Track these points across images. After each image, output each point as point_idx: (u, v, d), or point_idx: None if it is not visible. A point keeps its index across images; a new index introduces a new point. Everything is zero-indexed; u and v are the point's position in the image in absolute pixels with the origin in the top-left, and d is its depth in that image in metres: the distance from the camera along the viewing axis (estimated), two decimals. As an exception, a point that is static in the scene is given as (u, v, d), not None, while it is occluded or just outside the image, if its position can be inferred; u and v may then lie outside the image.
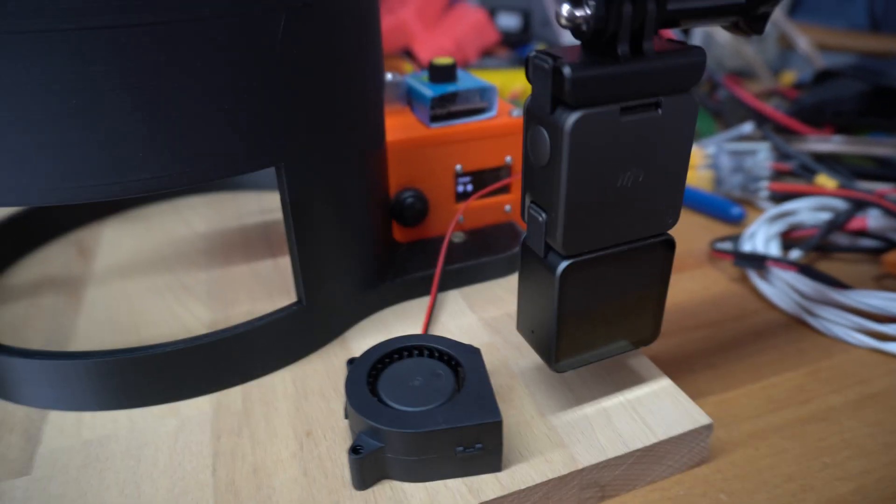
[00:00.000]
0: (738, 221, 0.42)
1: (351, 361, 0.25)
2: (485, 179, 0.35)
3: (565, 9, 0.18)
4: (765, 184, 0.44)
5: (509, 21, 0.80)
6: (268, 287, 0.33)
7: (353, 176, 0.27)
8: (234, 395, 0.26)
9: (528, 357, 0.27)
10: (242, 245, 0.38)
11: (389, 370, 0.23)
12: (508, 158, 0.35)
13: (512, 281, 0.33)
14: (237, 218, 0.41)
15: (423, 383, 0.22)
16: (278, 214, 0.41)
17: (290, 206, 0.25)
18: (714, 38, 0.70)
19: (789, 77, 0.71)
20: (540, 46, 0.73)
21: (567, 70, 0.18)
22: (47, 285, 0.34)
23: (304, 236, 0.26)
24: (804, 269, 0.33)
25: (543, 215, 0.21)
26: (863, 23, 0.69)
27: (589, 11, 0.18)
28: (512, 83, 0.63)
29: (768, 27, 0.74)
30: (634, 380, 0.25)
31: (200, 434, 0.24)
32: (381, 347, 0.24)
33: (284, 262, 0.36)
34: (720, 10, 0.20)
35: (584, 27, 0.18)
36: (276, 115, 0.23)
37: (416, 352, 0.24)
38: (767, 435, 0.25)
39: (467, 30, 0.69)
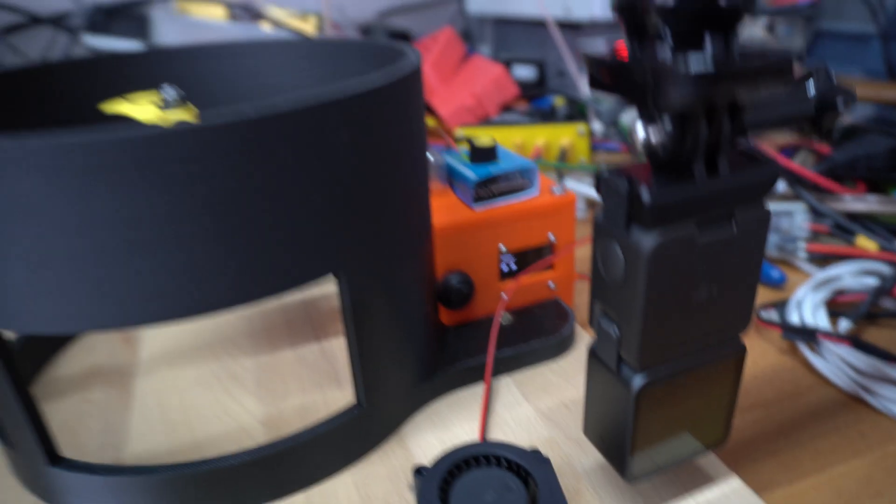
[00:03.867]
0: (778, 285, 0.42)
1: (419, 471, 0.24)
2: (528, 256, 0.35)
3: (639, 133, 0.18)
4: (803, 245, 0.44)
5: (524, 72, 0.81)
6: (316, 376, 0.33)
7: (408, 270, 0.27)
8: (296, 504, 0.25)
9: (592, 455, 0.27)
10: (285, 327, 0.38)
11: (460, 483, 0.23)
12: (551, 236, 0.35)
13: (562, 364, 0.33)
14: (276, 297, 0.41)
15: (496, 498, 0.22)
16: (316, 291, 0.41)
17: (350, 310, 0.25)
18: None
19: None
20: (558, 99, 0.74)
21: (646, 196, 0.18)
22: (95, 377, 0.34)
23: (363, 339, 0.26)
24: (857, 343, 0.33)
25: (616, 330, 0.21)
26: (879, 70, 0.69)
27: (665, 135, 0.18)
28: (533, 139, 0.63)
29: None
30: (703, 479, 0.25)
31: (267, 550, 0.23)
32: (449, 458, 0.24)
33: (329, 347, 0.36)
34: (791, 121, 0.20)
35: (660, 151, 0.18)
36: (339, 224, 0.23)
37: (483, 460, 0.24)
38: (843, 534, 0.25)
39: (487, 86, 0.70)
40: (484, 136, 0.35)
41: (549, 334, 0.33)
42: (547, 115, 0.71)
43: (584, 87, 0.74)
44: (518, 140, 0.64)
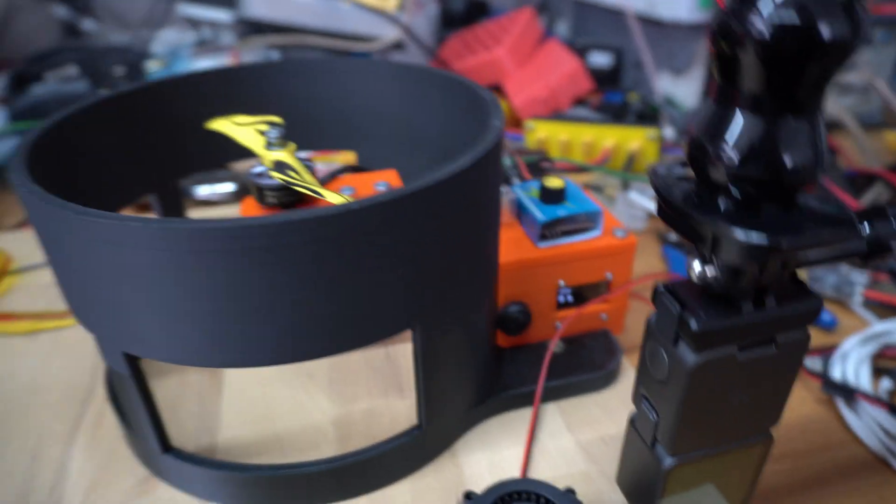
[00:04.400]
0: (830, 329, 0.43)
1: (468, 496, 0.28)
2: (584, 289, 0.38)
3: (696, 268, 0.20)
4: (860, 289, 0.44)
5: (601, 59, 0.81)
6: (382, 381, 0.37)
7: (477, 317, 0.30)
8: (360, 507, 0.30)
9: (622, 494, 0.30)
10: (355, 327, 0.42)
11: (503, 516, 0.27)
12: (609, 275, 0.37)
13: (605, 396, 0.36)
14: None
15: (534, 535, 0.26)
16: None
17: (421, 357, 0.28)
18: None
19: (894, 137, 0.69)
20: (632, 95, 0.74)
21: (694, 325, 0.20)
22: (191, 360, 0.39)
23: (430, 376, 0.29)
24: (895, 410, 0.34)
25: (654, 415, 0.23)
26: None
27: (718, 275, 0.20)
28: (602, 140, 0.64)
29: (865, 80, 0.71)
30: (721, 533, 0.28)
31: (335, 546, 0.28)
32: (496, 490, 0.27)
33: (395, 352, 0.39)
34: (841, 258, 0.21)
35: (713, 285, 0.20)
36: (420, 287, 0.26)
37: (525, 496, 0.27)
38: None
39: (562, 79, 0.70)
40: (555, 178, 0.37)
41: (597, 368, 0.36)
42: (618, 112, 0.71)
43: (658, 88, 0.73)
44: (587, 139, 0.64)
